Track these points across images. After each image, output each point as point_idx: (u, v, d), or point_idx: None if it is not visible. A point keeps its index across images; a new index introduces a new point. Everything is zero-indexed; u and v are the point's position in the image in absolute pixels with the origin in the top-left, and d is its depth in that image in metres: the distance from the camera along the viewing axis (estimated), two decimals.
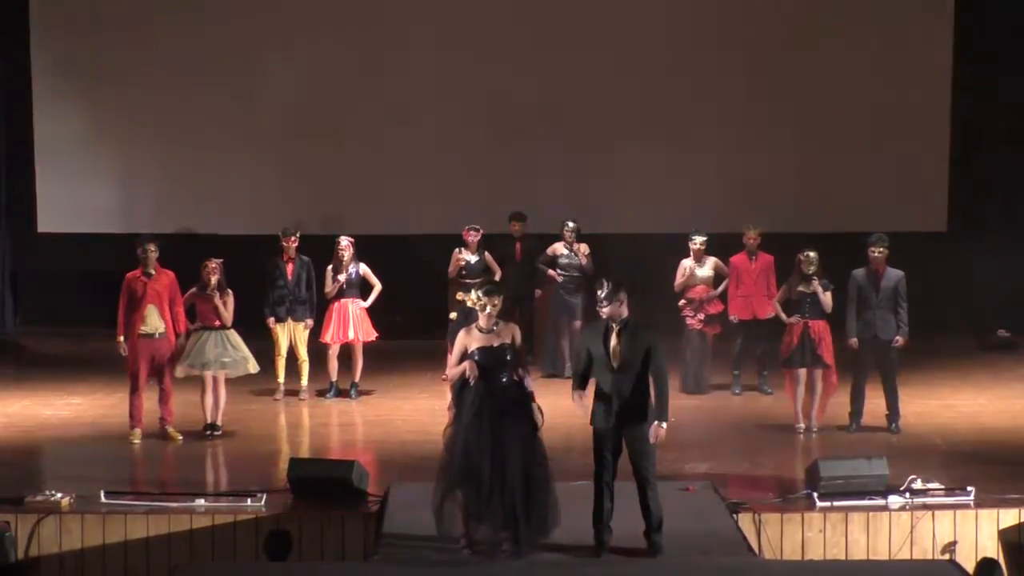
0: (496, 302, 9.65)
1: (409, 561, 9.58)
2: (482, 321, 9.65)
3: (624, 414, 9.60)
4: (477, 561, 9.45)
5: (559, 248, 15.60)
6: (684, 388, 14.77)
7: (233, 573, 9.85)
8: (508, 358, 9.60)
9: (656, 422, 9.58)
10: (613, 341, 9.63)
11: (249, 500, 10.70)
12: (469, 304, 9.77)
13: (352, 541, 10.43)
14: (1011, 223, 17.99)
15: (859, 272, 13.09)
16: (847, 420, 13.20)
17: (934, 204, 18.17)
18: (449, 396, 10.44)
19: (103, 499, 10.75)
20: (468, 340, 9.66)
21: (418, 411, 14.15)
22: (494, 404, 9.53)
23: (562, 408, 12.98)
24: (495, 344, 9.59)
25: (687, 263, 14.68)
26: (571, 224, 15.57)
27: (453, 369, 9.75)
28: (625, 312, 9.65)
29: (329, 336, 14.54)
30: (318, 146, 18.15)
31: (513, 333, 9.69)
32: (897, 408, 13.17)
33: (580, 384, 9.83)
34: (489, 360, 9.56)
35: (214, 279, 13.04)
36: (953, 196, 18.21)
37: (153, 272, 12.84)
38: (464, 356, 9.66)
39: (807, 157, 18.13)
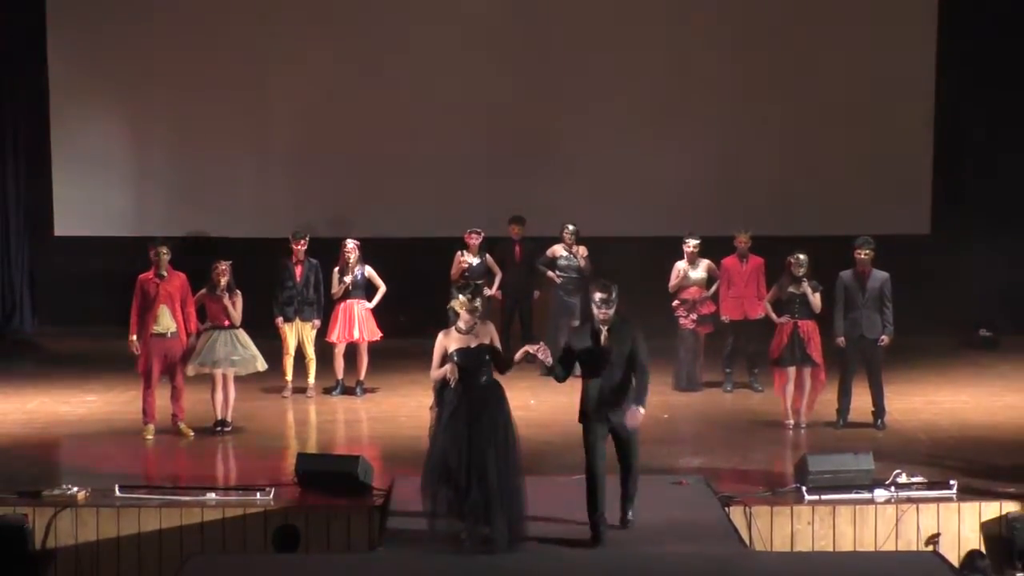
0: (477, 304, 9.70)
1: (412, 552, 9.63)
2: (461, 322, 9.70)
3: (612, 406, 9.82)
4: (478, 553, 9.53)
5: (558, 250, 15.65)
6: (677, 386, 14.88)
7: (243, 564, 9.88)
8: (487, 358, 9.67)
9: (634, 406, 9.77)
10: (603, 339, 9.82)
11: (258, 494, 10.83)
12: (457, 308, 9.77)
13: (357, 533, 10.54)
14: (992, 226, 17.98)
15: (846, 273, 13.20)
16: (835, 416, 13.31)
17: (918, 208, 18.26)
18: (432, 397, 10.55)
19: (118, 493, 10.88)
20: (447, 341, 9.72)
21: (421, 408, 13.95)
22: (471, 404, 9.59)
23: (560, 406, 12.99)
24: (473, 345, 9.65)
25: (681, 265, 14.77)
26: (570, 227, 15.61)
27: (436, 371, 9.80)
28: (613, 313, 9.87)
29: (335, 335, 14.61)
30: (326, 152, 18.23)
31: (491, 333, 9.78)
32: (882, 405, 13.24)
33: (560, 375, 9.97)
34: (468, 361, 9.62)
35: (223, 280, 13.10)
36: (936, 200, 18.28)
37: (165, 274, 12.92)
38: (444, 358, 9.72)
39: (796, 163, 18.20)
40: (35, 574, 10.51)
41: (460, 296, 9.76)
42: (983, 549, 10.43)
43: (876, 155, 18.18)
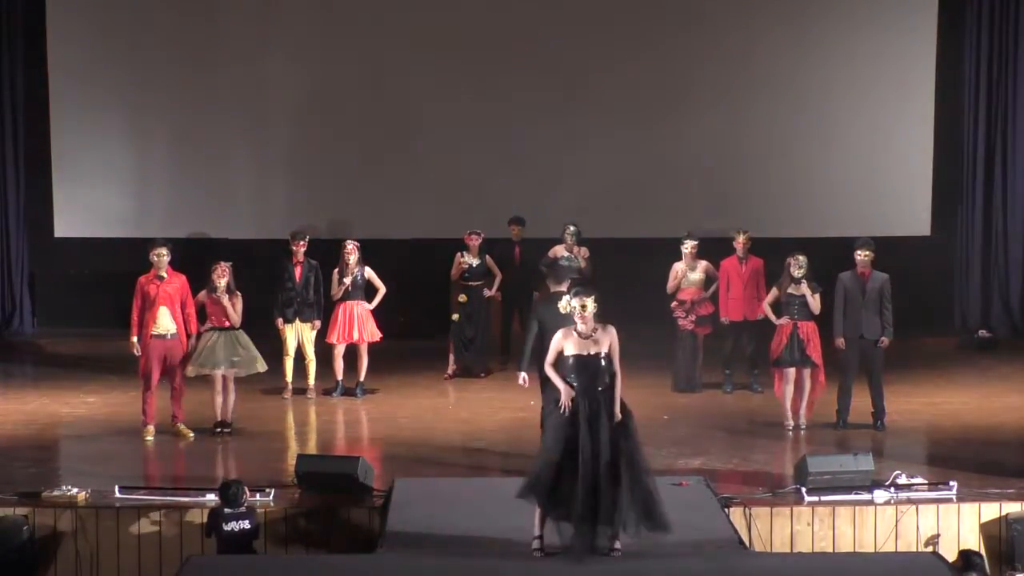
0: (587, 302, 9.09)
1: (412, 553, 9.67)
2: (580, 325, 9.15)
3: None
4: (486, 555, 9.56)
5: (559, 251, 15.45)
6: (677, 386, 14.91)
7: (243, 564, 9.91)
8: (603, 365, 9.16)
9: None
10: None
11: (258, 495, 10.80)
12: (563, 312, 9.21)
13: (357, 534, 10.56)
14: (990, 228, 18.17)
15: (846, 275, 13.23)
16: (834, 417, 13.34)
17: (918, 208, 18.27)
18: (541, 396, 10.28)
19: (117, 494, 10.89)
20: (564, 343, 9.21)
21: (420, 409, 14.32)
22: (588, 413, 9.15)
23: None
24: (591, 352, 9.14)
25: (679, 266, 14.79)
26: (572, 228, 15.60)
27: (550, 369, 9.29)
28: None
29: (335, 336, 14.64)
30: (325, 152, 18.29)
31: (611, 339, 9.23)
32: (882, 406, 13.26)
33: None
34: (583, 373, 9.13)
35: (222, 281, 13.12)
36: (936, 200, 18.29)
37: (165, 275, 12.94)
38: (560, 357, 9.21)
39: (795, 163, 18.24)
40: (35, 575, 10.51)
41: (583, 297, 9.17)
42: (983, 550, 10.46)
43: (876, 155, 18.22)
